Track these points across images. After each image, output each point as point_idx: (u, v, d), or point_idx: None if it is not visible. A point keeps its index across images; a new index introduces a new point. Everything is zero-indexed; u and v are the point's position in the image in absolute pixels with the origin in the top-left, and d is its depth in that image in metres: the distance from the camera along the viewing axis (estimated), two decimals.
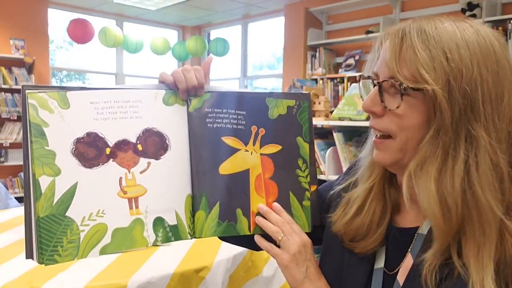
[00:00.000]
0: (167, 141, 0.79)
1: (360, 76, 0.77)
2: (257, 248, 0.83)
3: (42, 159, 0.70)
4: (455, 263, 0.63)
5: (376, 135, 0.73)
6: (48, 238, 0.69)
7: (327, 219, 0.83)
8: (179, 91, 0.81)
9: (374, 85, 0.71)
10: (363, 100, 0.74)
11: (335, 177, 0.93)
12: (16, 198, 2.69)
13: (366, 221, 0.75)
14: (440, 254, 0.65)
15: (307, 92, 0.93)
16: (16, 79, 5.24)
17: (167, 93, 0.81)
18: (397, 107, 0.67)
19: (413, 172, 0.67)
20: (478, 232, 0.62)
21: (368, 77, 0.73)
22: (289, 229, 0.79)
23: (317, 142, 2.63)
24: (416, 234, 0.72)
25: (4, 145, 5.27)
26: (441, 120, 0.64)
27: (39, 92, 0.71)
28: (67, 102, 0.73)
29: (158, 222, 0.77)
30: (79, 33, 5.55)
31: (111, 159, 0.74)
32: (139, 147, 0.77)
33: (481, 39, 0.65)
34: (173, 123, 0.80)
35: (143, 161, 0.77)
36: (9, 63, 5.27)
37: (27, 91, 0.70)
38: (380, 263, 0.75)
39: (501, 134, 0.64)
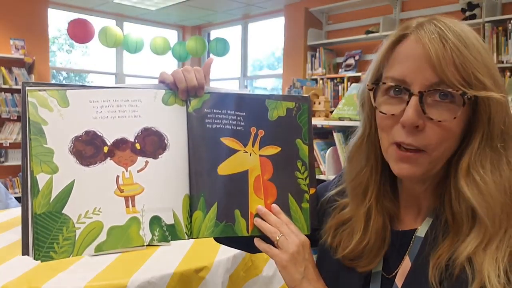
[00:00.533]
0: (165, 141, 0.79)
1: (373, 83, 0.68)
2: (253, 250, 0.82)
3: (41, 157, 0.70)
4: (459, 259, 0.62)
5: (399, 147, 0.66)
6: (45, 235, 0.69)
7: (320, 228, 0.82)
8: (179, 91, 0.80)
9: (412, 94, 0.62)
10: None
11: None
12: (16, 198, 2.69)
13: (369, 245, 0.74)
14: (448, 250, 0.64)
15: (307, 95, 0.93)
16: (16, 79, 5.24)
17: (167, 93, 0.80)
18: (454, 118, 0.61)
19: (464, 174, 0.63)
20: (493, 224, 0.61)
21: (401, 86, 0.64)
22: (287, 229, 0.78)
23: (317, 142, 2.63)
24: (413, 237, 0.72)
25: (4, 145, 5.28)
26: (492, 126, 0.62)
27: (39, 90, 0.71)
28: (67, 100, 0.73)
29: (155, 221, 0.76)
30: (79, 33, 5.55)
31: (108, 158, 0.74)
32: (137, 146, 0.76)
33: (480, 39, 0.66)
34: (172, 123, 0.80)
35: (141, 160, 0.76)
36: (9, 63, 5.27)
37: (27, 88, 0.70)
38: (378, 267, 0.74)
39: None
